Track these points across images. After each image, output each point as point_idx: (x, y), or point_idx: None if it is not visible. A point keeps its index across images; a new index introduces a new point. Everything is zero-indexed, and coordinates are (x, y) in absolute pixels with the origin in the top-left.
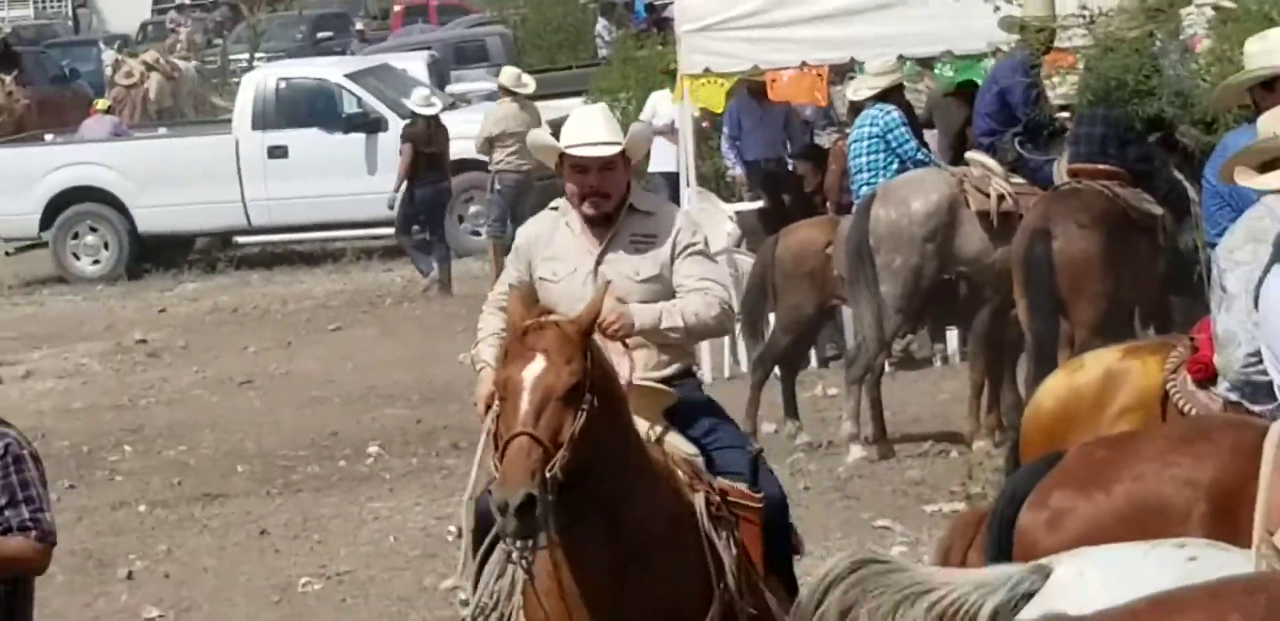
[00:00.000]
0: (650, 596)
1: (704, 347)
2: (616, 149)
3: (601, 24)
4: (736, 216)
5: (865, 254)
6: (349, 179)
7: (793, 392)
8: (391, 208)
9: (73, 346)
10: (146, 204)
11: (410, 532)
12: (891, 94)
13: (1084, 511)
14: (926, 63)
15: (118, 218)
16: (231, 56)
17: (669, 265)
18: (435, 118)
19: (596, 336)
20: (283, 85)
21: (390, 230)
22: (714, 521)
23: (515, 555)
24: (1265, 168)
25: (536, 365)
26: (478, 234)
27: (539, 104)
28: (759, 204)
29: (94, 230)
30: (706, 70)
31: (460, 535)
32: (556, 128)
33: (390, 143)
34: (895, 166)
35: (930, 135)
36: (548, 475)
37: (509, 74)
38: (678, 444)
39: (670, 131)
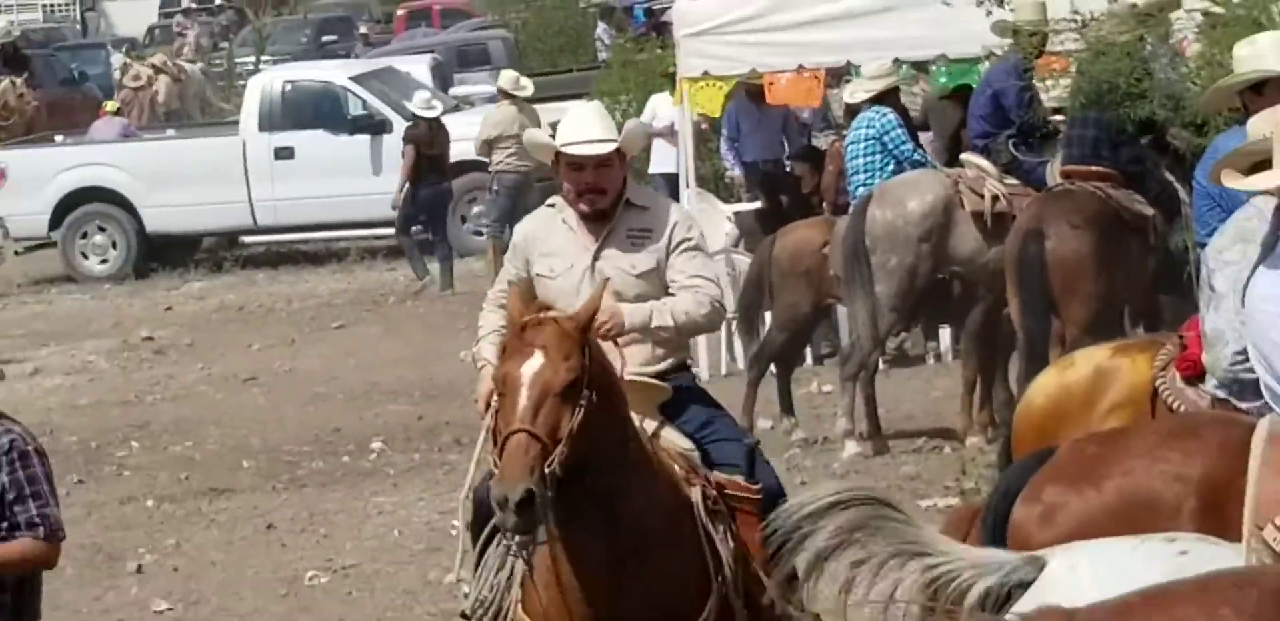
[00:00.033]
0: (648, 590)
1: (701, 345)
2: (611, 146)
3: (601, 28)
4: (735, 217)
5: (861, 253)
6: (354, 180)
7: (788, 389)
8: (395, 208)
9: (80, 344)
10: (154, 204)
11: (414, 527)
12: (887, 97)
13: (1075, 506)
14: (921, 66)
15: (126, 217)
16: (237, 59)
17: (665, 259)
18: (436, 120)
19: None
20: (288, 88)
21: (394, 230)
22: (711, 515)
23: (514, 549)
24: (1254, 170)
25: (535, 361)
26: (480, 234)
27: (541, 106)
28: (757, 204)
29: (102, 230)
30: (705, 73)
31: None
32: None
33: (394, 144)
34: (891, 167)
35: (925, 137)
36: (546, 471)
37: (507, 77)
38: (673, 438)
39: (670, 134)
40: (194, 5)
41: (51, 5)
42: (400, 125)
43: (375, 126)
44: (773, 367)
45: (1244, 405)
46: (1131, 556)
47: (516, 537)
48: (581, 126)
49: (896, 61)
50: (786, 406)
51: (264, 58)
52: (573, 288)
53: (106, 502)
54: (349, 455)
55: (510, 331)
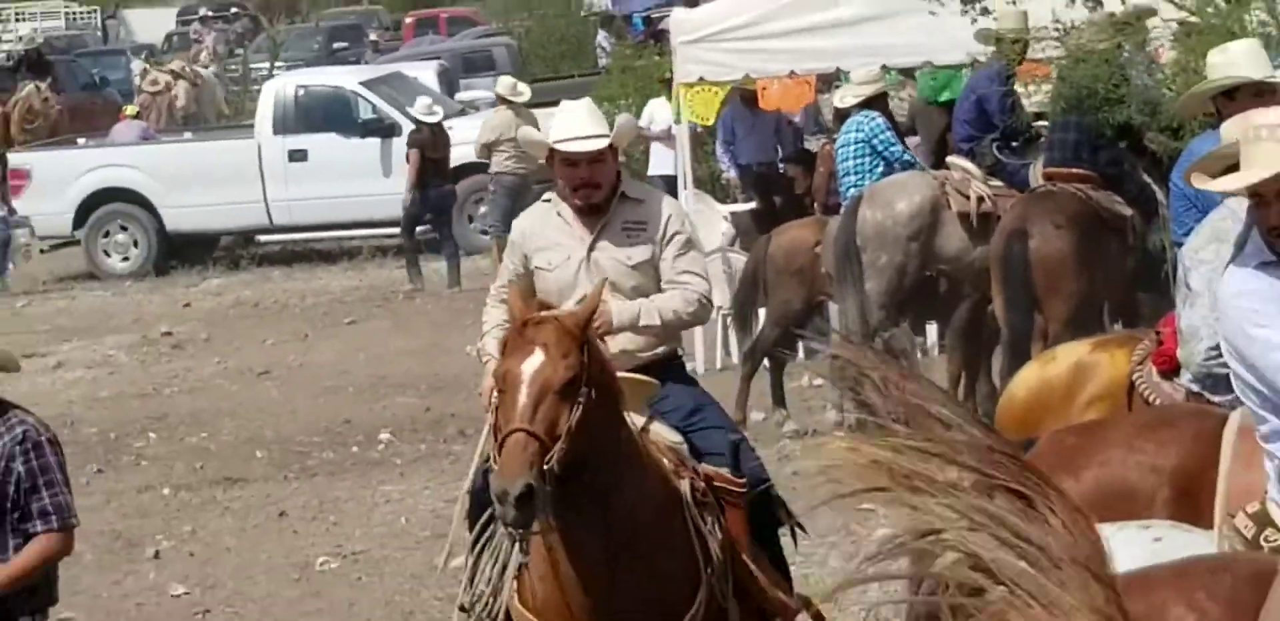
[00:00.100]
0: (640, 582)
1: (698, 340)
2: (604, 142)
3: (602, 35)
4: (731, 217)
5: (852, 252)
6: (364, 181)
7: (781, 383)
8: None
9: (101, 338)
10: (174, 204)
11: (420, 514)
12: (875, 101)
13: None
14: (908, 72)
15: (146, 217)
16: (252, 65)
17: (659, 252)
18: (438, 125)
19: None
20: (301, 92)
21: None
22: (700, 507)
23: (512, 540)
24: (1226, 173)
25: (535, 359)
26: (485, 233)
27: (544, 111)
28: (752, 205)
29: (124, 229)
30: (701, 79)
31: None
32: None
33: (403, 147)
34: (880, 169)
35: (912, 142)
36: (545, 468)
37: (505, 83)
38: (663, 432)
39: (668, 137)
40: (210, 13)
41: (74, 13)
42: (409, 128)
43: (385, 130)
44: (766, 362)
45: (1217, 398)
46: (1108, 543)
47: (516, 531)
48: (574, 123)
49: (884, 68)
50: (779, 399)
51: (278, 64)
52: (570, 279)
53: (125, 491)
54: (358, 445)
55: (511, 329)
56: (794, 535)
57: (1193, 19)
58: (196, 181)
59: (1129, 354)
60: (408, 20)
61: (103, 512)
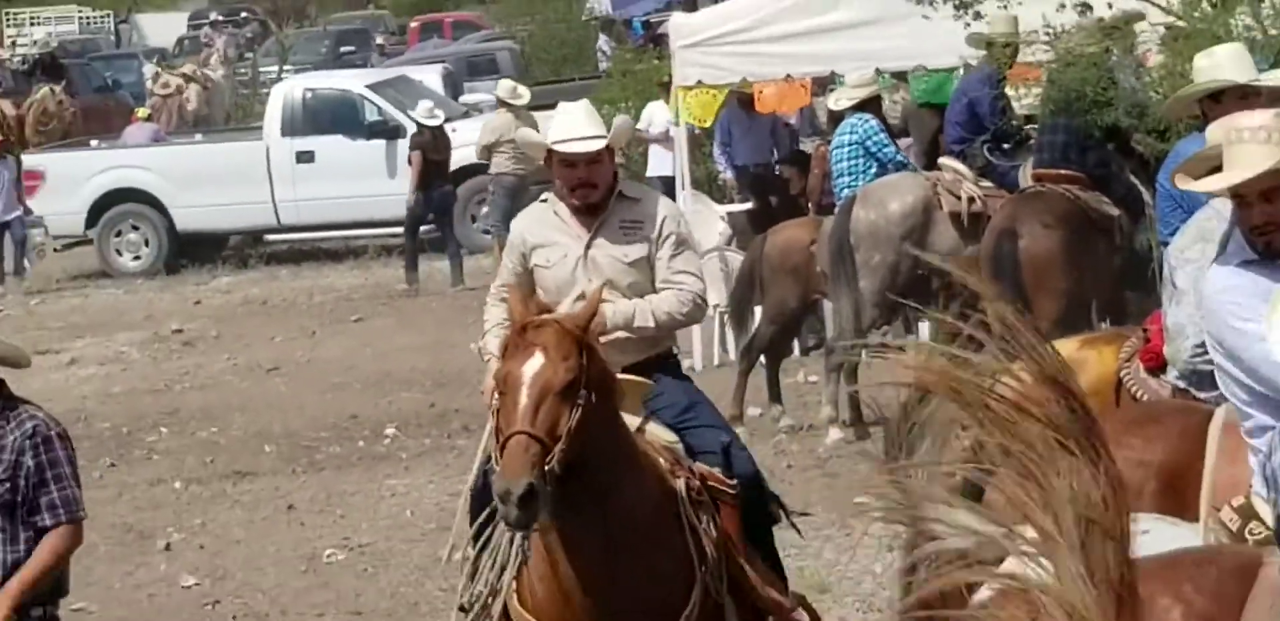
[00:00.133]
0: (638, 580)
1: (695, 337)
2: (601, 143)
3: (602, 40)
4: (728, 217)
5: (846, 251)
6: (370, 181)
7: (777, 379)
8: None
9: (114, 335)
10: (184, 204)
11: (425, 507)
12: (869, 104)
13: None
14: (901, 75)
15: (157, 217)
16: (261, 69)
17: (654, 250)
18: (439, 128)
19: None
20: (309, 95)
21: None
22: (695, 506)
23: (512, 541)
24: (1210, 174)
25: (535, 361)
26: (488, 233)
27: (547, 113)
28: (748, 205)
29: (135, 228)
30: (699, 82)
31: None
32: None
33: (408, 148)
34: (874, 171)
35: (904, 143)
36: (546, 469)
37: (505, 87)
38: (658, 432)
39: (666, 139)
40: (221, 18)
41: (87, 18)
42: (413, 130)
43: (390, 132)
44: (762, 358)
45: (1202, 395)
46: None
47: (518, 531)
48: (572, 125)
49: (878, 71)
50: (775, 395)
51: (286, 67)
52: (568, 276)
53: (137, 484)
54: (365, 440)
55: (511, 331)
56: (796, 527)
57: (1179, 23)
58: (206, 182)
59: (1117, 351)
60: (413, 25)
61: (115, 505)
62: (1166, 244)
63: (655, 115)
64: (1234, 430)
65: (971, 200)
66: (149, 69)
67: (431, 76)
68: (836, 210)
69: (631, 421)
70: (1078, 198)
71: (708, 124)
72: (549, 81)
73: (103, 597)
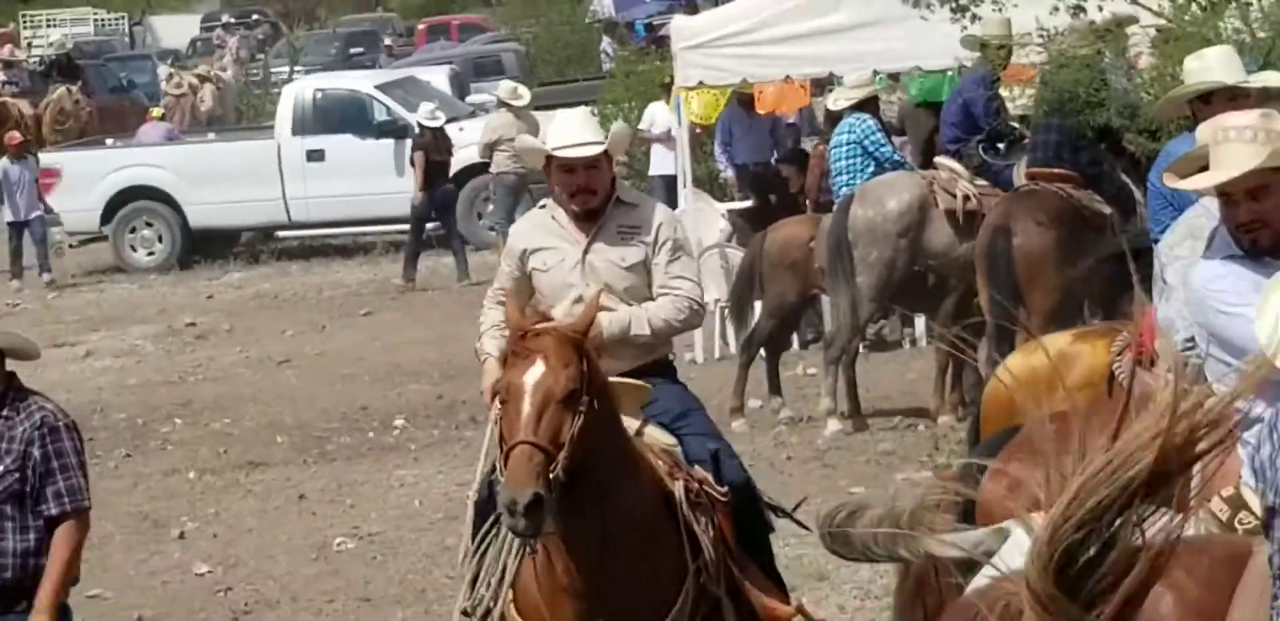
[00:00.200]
0: (637, 580)
1: (696, 331)
2: (599, 148)
3: (606, 41)
4: (728, 214)
5: (844, 248)
6: (379, 179)
7: (776, 372)
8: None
9: (128, 329)
10: (197, 201)
11: (433, 497)
12: (867, 104)
13: (1039, 479)
14: (896, 76)
15: (171, 214)
16: (273, 69)
17: (651, 254)
18: (440, 129)
19: None
20: (319, 95)
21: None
22: (693, 508)
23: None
24: (1199, 173)
25: (536, 370)
26: (494, 229)
27: (551, 113)
28: (748, 203)
29: (149, 225)
30: (701, 83)
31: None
32: None
33: None
34: (871, 169)
35: (901, 142)
36: (550, 476)
37: (506, 88)
38: (657, 435)
39: (668, 139)
40: (233, 20)
41: (102, 19)
42: (416, 132)
43: (398, 131)
44: (762, 352)
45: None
46: None
47: (527, 540)
48: (570, 131)
49: (875, 72)
50: (775, 387)
51: (297, 68)
52: (565, 279)
53: (152, 474)
54: (374, 431)
55: (511, 340)
56: (799, 522)
57: (1170, 26)
58: (219, 180)
59: (1109, 345)
60: (420, 26)
61: (131, 495)
62: (1157, 241)
63: (657, 115)
64: None
65: (967, 198)
66: (163, 70)
67: (439, 77)
68: (835, 208)
69: (630, 424)
70: (1070, 196)
71: (711, 121)
72: (553, 82)
73: (118, 584)
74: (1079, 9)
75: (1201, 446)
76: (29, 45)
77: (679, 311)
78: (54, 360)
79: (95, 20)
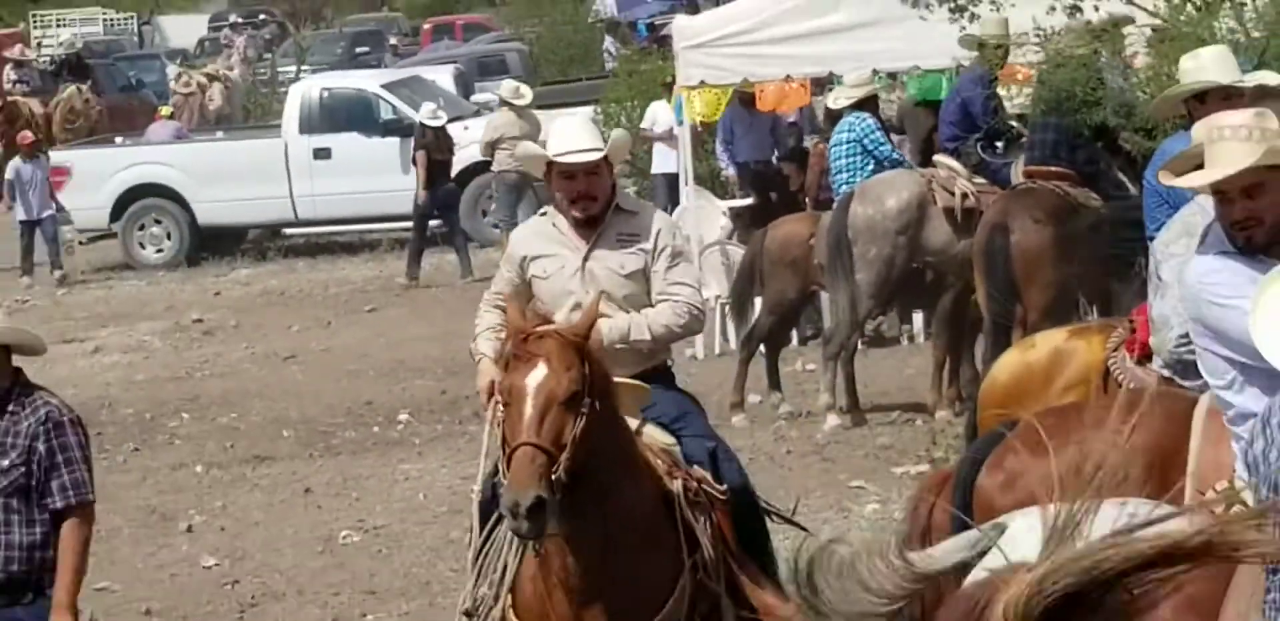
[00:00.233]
0: (637, 580)
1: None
2: (600, 154)
3: (608, 41)
4: (729, 212)
5: (844, 245)
6: (384, 177)
7: (776, 367)
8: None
9: (137, 325)
10: (205, 199)
11: (438, 490)
12: (867, 103)
13: (1035, 473)
14: (895, 75)
15: (179, 211)
16: (280, 69)
17: (650, 262)
18: (442, 128)
19: None
20: (326, 94)
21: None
22: (692, 506)
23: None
24: (1193, 171)
25: (538, 372)
26: (498, 227)
27: (555, 112)
28: (749, 201)
29: (158, 222)
30: (702, 82)
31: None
32: None
33: None
34: (871, 167)
35: (900, 141)
36: (553, 478)
37: (508, 87)
38: (656, 435)
39: (670, 137)
40: (240, 20)
41: (111, 19)
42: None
43: (404, 130)
44: (762, 348)
45: (1187, 383)
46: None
47: (529, 541)
48: (570, 137)
49: (875, 72)
50: (774, 382)
51: (304, 67)
52: (564, 286)
53: (160, 468)
54: (379, 426)
55: (513, 343)
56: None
57: (1166, 26)
58: (226, 178)
59: (1104, 341)
60: (426, 26)
61: (139, 489)
62: (1152, 238)
63: (659, 114)
64: (1217, 416)
65: (965, 196)
66: (172, 69)
67: (444, 76)
68: (834, 205)
69: (629, 423)
70: (1067, 193)
71: (714, 118)
72: (557, 81)
73: (126, 577)
74: (1075, 9)
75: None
76: (39, 45)
77: (679, 317)
78: (63, 356)
79: (104, 20)
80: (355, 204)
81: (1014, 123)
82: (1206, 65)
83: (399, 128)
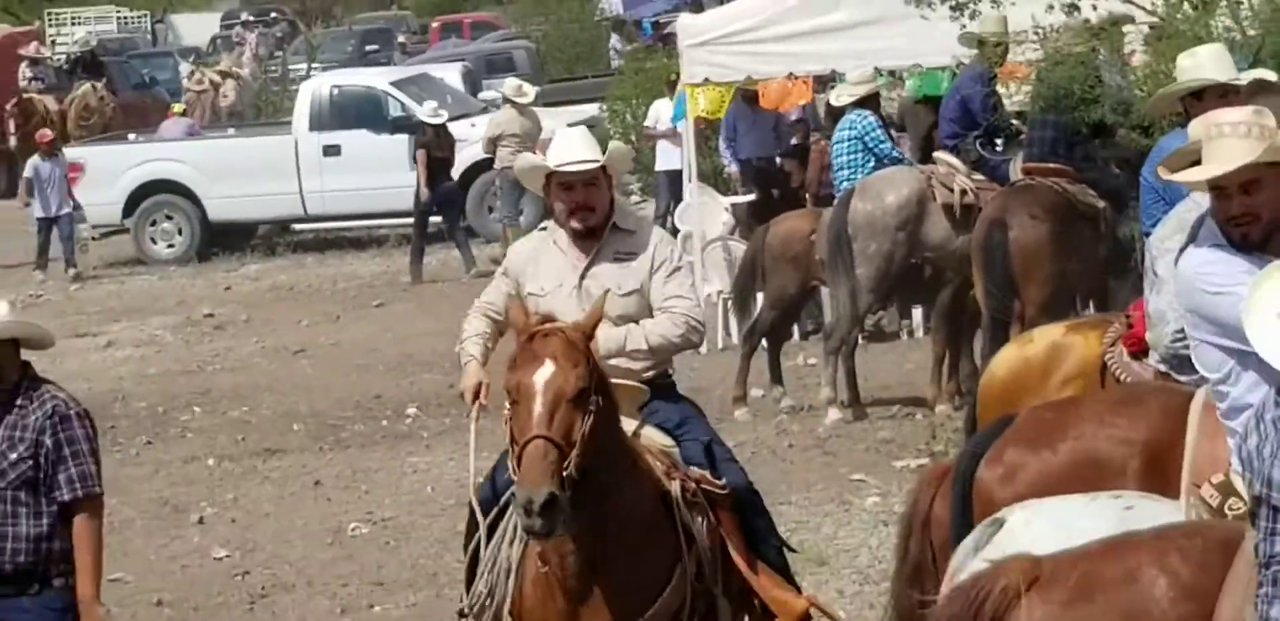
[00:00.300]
0: (637, 581)
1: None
2: (598, 164)
3: (614, 39)
4: (731, 208)
5: (844, 241)
6: (393, 174)
7: (778, 362)
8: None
9: (149, 319)
10: (216, 195)
11: (445, 483)
12: (868, 101)
13: (1033, 467)
14: (895, 73)
15: (190, 207)
16: (290, 66)
17: (648, 280)
18: (442, 126)
19: None
20: (335, 92)
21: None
22: (689, 507)
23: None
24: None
25: (546, 370)
26: (502, 223)
27: (561, 109)
28: (751, 197)
29: (169, 218)
30: (706, 80)
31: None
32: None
33: None
34: (871, 164)
35: (900, 138)
36: (564, 475)
37: (511, 85)
38: (654, 436)
39: (673, 135)
40: (252, 18)
41: (125, 18)
42: (420, 130)
43: (412, 127)
44: (764, 342)
45: (1183, 378)
46: (1083, 511)
47: (542, 539)
48: (569, 149)
49: (876, 69)
50: (776, 377)
51: (314, 65)
52: (561, 304)
53: (172, 461)
54: (387, 419)
55: (518, 342)
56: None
57: (1162, 24)
58: (237, 174)
59: (1101, 336)
60: (434, 24)
61: (151, 481)
62: (1149, 234)
63: (662, 112)
64: (1213, 409)
65: (964, 192)
66: (185, 67)
67: (452, 74)
68: (835, 202)
69: (628, 425)
70: (1065, 190)
71: (719, 116)
72: (563, 79)
73: (138, 569)
74: (1073, 7)
75: None
76: (54, 43)
77: (675, 326)
78: (76, 350)
79: (118, 18)
80: (364, 200)
81: (1014, 120)
82: (1203, 63)
83: (408, 125)
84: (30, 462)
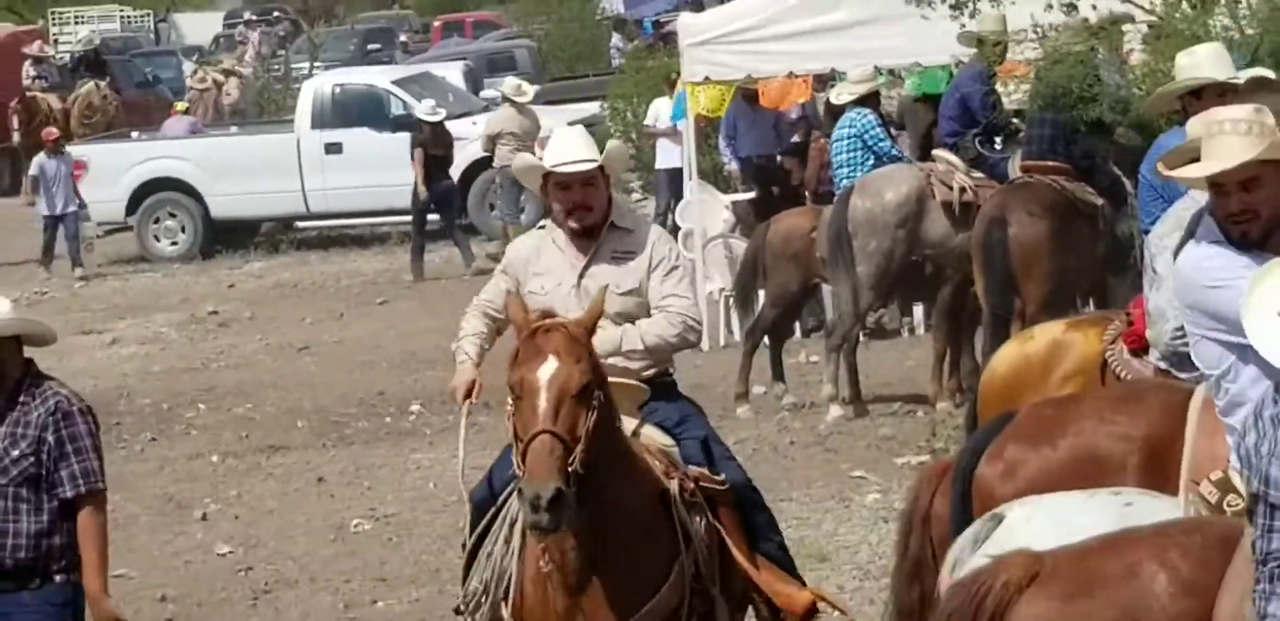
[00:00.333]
0: (637, 580)
1: (702, 320)
2: (596, 164)
3: (615, 38)
4: (732, 206)
5: (844, 238)
6: (395, 172)
7: (779, 359)
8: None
9: (153, 317)
10: (219, 193)
11: (448, 480)
12: (868, 99)
13: (1034, 463)
14: (894, 72)
15: (194, 205)
16: (293, 65)
17: (646, 279)
18: (440, 124)
19: None
20: (338, 90)
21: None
22: (687, 507)
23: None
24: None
25: (550, 365)
26: (503, 221)
27: (562, 107)
28: (751, 195)
29: (173, 215)
30: (706, 79)
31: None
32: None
33: None
34: (871, 162)
35: (900, 136)
36: (569, 470)
37: (510, 85)
38: (654, 435)
39: (674, 133)
40: (254, 17)
41: (128, 16)
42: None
43: (414, 125)
44: (766, 340)
45: (1183, 375)
46: (1082, 508)
47: (547, 535)
48: (566, 149)
49: (876, 68)
50: (778, 374)
51: (316, 64)
52: (560, 303)
53: (176, 458)
54: (391, 416)
55: (520, 338)
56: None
57: (1161, 23)
58: (240, 172)
59: (1101, 333)
60: (436, 23)
61: (156, 478)
62: (1147, 232)
63: (662, 111)
64: (1212, 406)
65: (963, 190)
66: (188, 65)
67: (453, 73)
68: (835, 199)
69: (627, 423)
70: (1064, 188)
71: (718, 115)
72: (564, 78)
73: (142, 564)
74: (1072, 6)
75: None
76: (57, 41)
77: (672, 327)
78: (81, 347)
79: (122, 17)
80: (366, 198)
81: (1013, 119)
82: (1202, 62)
83: (409, 123)
84: (32, 459)
